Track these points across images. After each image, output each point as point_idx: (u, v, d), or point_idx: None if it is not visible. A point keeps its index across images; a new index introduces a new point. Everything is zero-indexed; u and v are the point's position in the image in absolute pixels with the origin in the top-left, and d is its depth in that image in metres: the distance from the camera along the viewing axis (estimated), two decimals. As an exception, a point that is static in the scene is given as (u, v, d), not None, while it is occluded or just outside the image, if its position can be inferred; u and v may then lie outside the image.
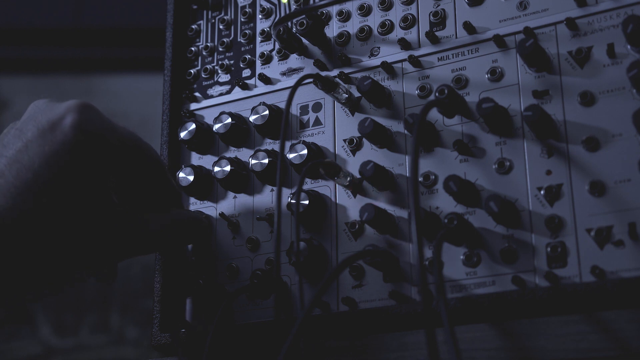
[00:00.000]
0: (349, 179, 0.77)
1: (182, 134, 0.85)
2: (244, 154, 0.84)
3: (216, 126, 0.83)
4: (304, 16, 0.80)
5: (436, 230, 0.70)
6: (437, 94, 0.73)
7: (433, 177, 0.74)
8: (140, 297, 2.19)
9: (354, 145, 0.78)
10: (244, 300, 0.80)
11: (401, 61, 0.79)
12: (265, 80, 0.85)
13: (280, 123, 0.81)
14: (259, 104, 0.82)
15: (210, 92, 0.89)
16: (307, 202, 0.77)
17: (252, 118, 0.82)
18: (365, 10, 0.82)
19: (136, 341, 2.23)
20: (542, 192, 0.69)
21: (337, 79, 0.79)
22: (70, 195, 0.69)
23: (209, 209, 0.84)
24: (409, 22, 0.79)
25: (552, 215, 0.68)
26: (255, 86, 0.86)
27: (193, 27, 0.92)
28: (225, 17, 0.90)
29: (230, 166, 0.82)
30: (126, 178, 0.75)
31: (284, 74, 0.85)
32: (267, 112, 0.81)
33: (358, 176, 0.76)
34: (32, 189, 0.67)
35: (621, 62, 0.69)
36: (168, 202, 0.79)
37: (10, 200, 0.67)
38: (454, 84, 0.75)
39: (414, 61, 0.77)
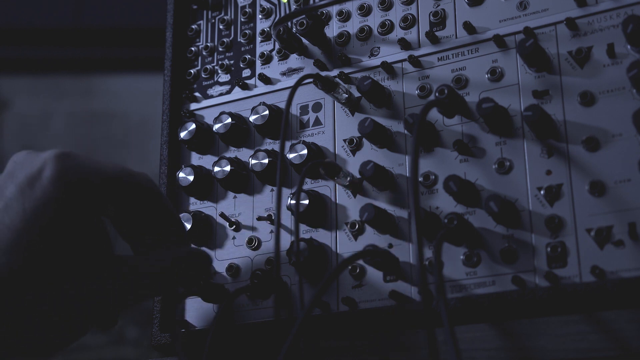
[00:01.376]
0: (349, 179, 0.77)
1: (182, 134, 0.85)
2: (244, 154, 0.84)
3: (216, 126, 0.83)
4: (304, 16, 0.80)
5: (436, 230, 0.70)
6: (437, 94, 0.73)
7: (433, 177, 0.74)
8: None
9: (354, 145, 0.78)
10: (244, 300, 0.80)
11: (401, 61, 0.79)
12: (265, 80, 0.85)
13: (280, 123, 0.81)
14: (259, 104, 0.82)
15: (210, 92, 0.89)
16: (307, 202, 0.77)
17: (252, 118, 0.82)
18: (365, 10, 0.82)
19: (136, 341, 2.23)
20: (542, 192, 0.69)
21: (337, 79, 0.79)
22: (58, 249, 0.67)
23: (209, 209, 0.84)
24: (409, 22, 0.79)
25: (552, 215, 0.68)
26: (255, 86, 0.86)
27: (193, 27, 0.92)
28: (225, 17, 0.90)
29: (230, 166, 0.82)
30: (121, 214, 0.73)
31: (284, 74, 0.85)
32: (267, 112, 0.81)
33: (358, 176, 0.76)
34: (16, 248, 0.65)
35: (621, 62, 0.69)
36: (170, 232, 0.76)
37: None
38: (454, 84, 0.75)
39: (414, 61, 0.77)
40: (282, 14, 0.87)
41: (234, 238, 0.82)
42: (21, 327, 0.66)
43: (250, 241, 0.81)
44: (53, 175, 0.67)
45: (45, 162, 0.68)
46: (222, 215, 0.82)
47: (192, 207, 0.85)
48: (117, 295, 0.70)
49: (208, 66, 0.89)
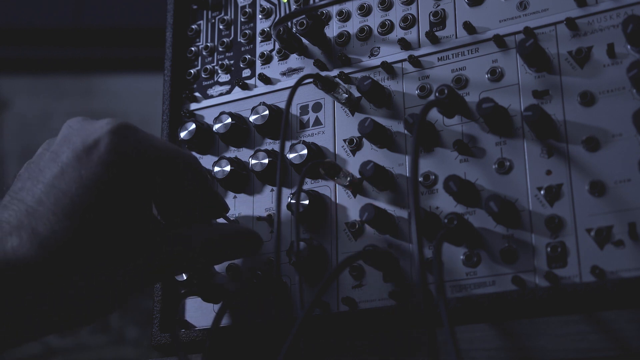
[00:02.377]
0: (349, 179, 0.77)
1: (182, 134, 0.85)
2: (244, 154, 0.84)
3: (216, 126, 0.83)
4: (304, 16, 0.80)
5: (436, 230, 0.70)
6: (437, 94, 0.73)
7: (433, 177, 0.74)
8: (140, 297, 2.19)
9: (354, 145, 0.78)
10: (243, 301, 0.80)
11: (401, 61, 0.79)
12: (265, 80, 0.85)
13: (280, 123, 0.81)
14: (259, 104, 0.82)
15: (210, 92, 0.89)
16: (307, 202, 0.77)
17: (252, 118, 0.82)
18: (365, 10, 0.82)
19: (136, 341, 2.23)
20: (542, 192, 0.69)
21: (337, 79, 0.79)
22: (111, 218, 0.67)
23: (209, 209, 0.84)
24: (409, 22, 0.79)
25: (552, 215, 0.68)
26: (255, 86, 0.86)
27: (193, 27, 0.92)
28: (225, 17, 0.90)
29: (230, 166, 0.82)
30: (168, 192, 0.73)
31: (284, 74, 0.85)
32: (267, 112, 0.81)
33: (358, 176, 0.76)
34: (71, 215, 0.65)
35: (621, 62, 0.69)
36: (214, 213, 0.77)
37: (51, 227, 0.65)
38: (454, 84, 0.75)
39: (414, 61, 0.77)
40: (282, 14, 0.87)
41: (234, 238, 0.82)
42: (59, 299, 0.66)
43: (250, 241, 0.81)
44: (111, 145, 0.67)
45: (104, 130, 0.68)
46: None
47: (192, 207, 0.85)
48: (161, 266, 0.70)
49: (208, 66, 0.89)
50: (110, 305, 0.69)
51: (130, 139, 0.68)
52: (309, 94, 0.82)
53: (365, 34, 0.81)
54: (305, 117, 0.82)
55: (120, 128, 0.68)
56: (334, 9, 0.84)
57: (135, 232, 0.69)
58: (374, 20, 0.81)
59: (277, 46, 0.86)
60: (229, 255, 0.78)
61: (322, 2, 0.79)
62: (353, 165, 0.78)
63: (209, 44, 0.90)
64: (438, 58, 0.77)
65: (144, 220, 0.71)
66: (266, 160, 0.80)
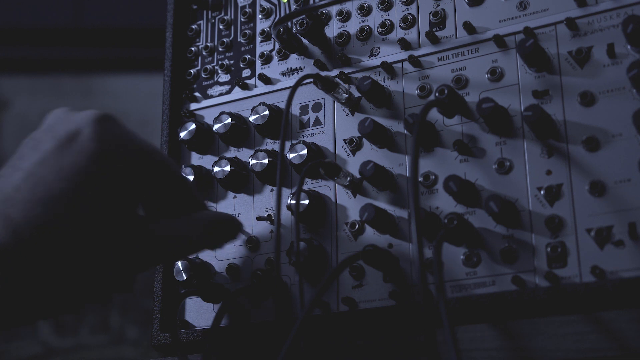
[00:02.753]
0: (349, 179, 0.77)
1: (182, 134, 0.85)
2: (244, 154, 0.84)
3: (216, 126, 0.83)
4: (304, 16, 0.80)
5: (436, 230, 0.70)
6: (437, 94, 0.73)
7: (433, 177, 0.74)
8: (140, 297, 2.19)
9: (354, 145, 0.78)
10: (244, 300, 0.80)
11: (401, 61, 0.79)
12: (265, 80, 0.85)
13: (280, 123, 0.81)
14: (259, 104, 0.82)
15: (210, 92, 0.89)
16: (307, 202, 0.77)
17: (252, 118, 0.82)
18: (365, 10, 0.82)
19: (136, 341, 2.23)
20: (542, 192, 0.69)
21: (337, 79, 0.79)
22: (89, 208, 0.66)
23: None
24: (409, 22, 0.79)
25: (552, 215, 0.68)
26: (255, 86, 0.86)
27: (193, 27, 0.92)
28: (225, 17, 0.90)
29: (230, 166, 0.82)
30: (146, 188, 0.72)
31: (284, 74, 0.85)
32: (267, 112, 0.81)
33: (358, 176, 0.76)
34: (49, 203, 0.65)
35: (621, 62, 0.69)
36: (190, 208, 0.76)
37: (26, 214, 0.64)
38: (454, 84, 0.75)
39: (414, 61, 0.77)
40: (282, 14, 0.87)
41: (234, 238, 0.82)
42: (40, 285, 0.65)
43: (250, 241, 0.81)
44: (93, 135, 0.67)
45: (87, 120, 0.68)
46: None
47: (192, 207, 0.85)
48: (139, 257, 0.70)
49: (208, 66, 0.89)
50: (86, 298, 0.69)
51: (113, 130, 0.68)
52: (309, 94, 0.82)
53: (365, 34, 0.81)
54: (305, 117, 0.82)
55: (104, 119, 0.68)
56: (334, 9, 0.84)
57: (115, 225, 0.68)
58: (374, 20, 0.81)
59: (277, 46, 0.86)
60: (212, 243, 0.77)
61: (322, 2, 0.79)
62: (353, 165, 0.78)
63: (209, 44, 0.90)
64: (438, 58, 0.77)
65: (125, 214, 0.70)
66: (266, 160, 0.80)
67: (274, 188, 0.81)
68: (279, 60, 0.86)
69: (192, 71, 0.90)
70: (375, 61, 0.80)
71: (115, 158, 0.68)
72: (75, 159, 0.66)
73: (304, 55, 0.84)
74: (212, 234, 0.75)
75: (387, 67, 0.78)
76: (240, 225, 0.77)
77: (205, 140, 0.86)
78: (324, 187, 0.79)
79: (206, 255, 0.83)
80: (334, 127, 0.80)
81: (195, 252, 0.78)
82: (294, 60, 0.85)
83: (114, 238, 0.68)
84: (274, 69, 0.86)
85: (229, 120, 0.83)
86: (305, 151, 0.78)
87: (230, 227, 0.76)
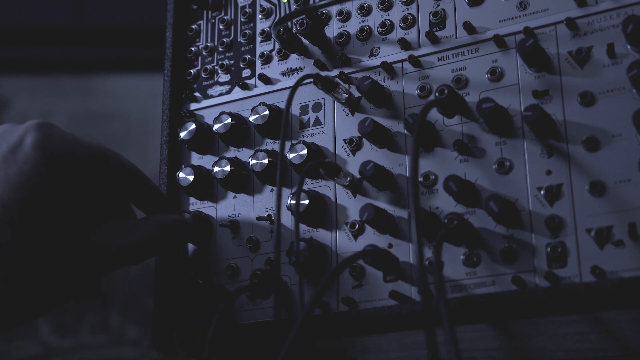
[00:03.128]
0: (349, 179, 0.77)
1: (182, 134, 0.85)
2: (244, 154, 0.84)
3: (216, 126, 0.83)
4: (304, 16, 0.80)
5: (436, 230, 0.70)
6: (437, 94, 0.73)
7: (433, 177, 0.74)
8: (140, 297, 2.19)
9: (354, 145, 0.78)
10: (244, 300, 0.80)
11: (401, 61, 0.79)
12: (265, 80, 0.85)
13: (280, 123, 0.81)
14: (259, 104, 0.82)
15: (210, 92, 0.89)
16: (307, 202, 0.77)
17: (252, 118, 0.82)
18: (365, 10, 0.82)
19: (136, 341, 2.23)
20: (542, 192, 0.69)
21: (337, 79, 0.79)
22: (42, 219, 0.67)
23: (209, 209, 0.84)
24: (409, 22, 0.79)
25: (552, 215, 0.68)
26: (255, 86, 0.86)
27: (193, 27, 0.92)
28: (225, 17, 0.90)
29: (230, 166, 0.82)
30: (100, 188, 0.73)
31: (284, 74, 0.85)
32: (267, 112, 0.81)
33: (358, 176, 0.76)
34: (1, 214, 0.65)
35: (621, 62, 0.69)
36: (153, 205, 0.78)
37: None
38: (454, 84, 0.75)
39: (414, 61, 0.77)
40: (282, 14, 0.87)
41: (234, 238, 0.82)
42: None
43: (250, 241, 0.81)
44: (35, 142, 0.67)
45: (27, 130, 0.68)
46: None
47: (192, 207, 0.85)
48: (91, 264, 0.70)
49: (208, 66, 0.89)
50: (37, 308, 0.70)
51: (55, 136, 0.69)
52: (309, 94, 0.82)
53: (365, 34, 0.81)
54: (305, 117, 0.82)
55: (44, 126, 0.69)
56: (334, 9, 0.84)
57: (68, 232, 0.69)
58: (374, 20, 0.81)
59: (277, 46, 0.86)
60: (159, 251, 0.78)
61: (322, 2, 0.79)
62: (353, 165, 0.78)
63: (209, 44, 0.90)
64: (438, 58, 0.77)
65: (67, 224, 0.70)
66: (266, 160, 0.80)
67: (274, 188, 0.81)
68: (279, 60, 0.86)
69: (192, 71, 0.90)
70: (375, 61, 0.80)
71: (59, 163, 0.68)
72: (20, 167, 0.67)
73: (304, 55, 0.84)
74: (159, 242, 0.75)
75: (387, 67, 0.78)
76: (191, 227, 0.78)
77: (205, 140, 0.86)
78: (324, 187, 0.79)
79: (206, 255, 0.83)
80: (334, 127, 0.80)
81: (142, 259, 0.77)
82: (294, 60, 0.85)
83: (54, 249, 0.68)
84: (274, 69, 0.86)
85: (229, 120, 0.83)
86: (305, 151, 0.78)
87: (179, 231, 0.77)
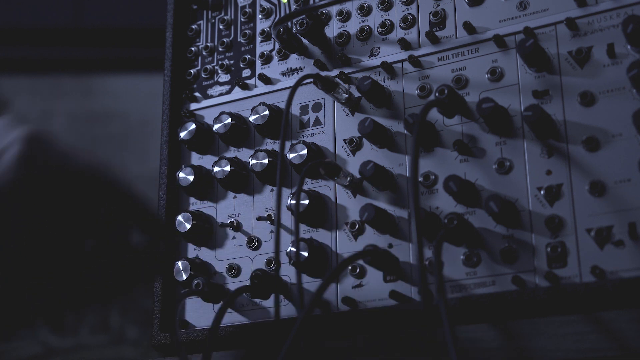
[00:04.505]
0: (349, 179, 0.77)
1: (182, 134, 0.85)
2: (244, 154, 0.84)
3: (216, 126, 0.83)
4: (304, 16, 0.80)
5: (436, 230, 0.70)
6: (437, 94, 0.73)
7: (433, 177, 0.74)
8: (140, 297, 2.19)
9: (354, 145, 0.78)
10: (244, 300, 0.80)
11: (401, 61, 0.79)
12: (265, 80, 0.85)
13: (280, 123, 0.81)
14: (259, 104, 0.82)
15: (210, 92, 0.89)
16: (307, 202, 0.77)
17: (252, 118, 0.82)
18: (365, 10, 0.82)
19: (136, 341, 2.23)
20: (542, 192, 0.69)
21: (337, 79, 0.79)
22: (27, 233, 0.65)
23: (209, 209, 0.84)
24: (409, 22, 0.79)
25: (552, 215, 0.68)
26: (255, 86, 0.86)
27: (193, 27, 0.92)
28: (225, 17, 0.90)
29: (230, 166, 0.82)
30: (92, 207, 0.70)
31: (284, 74, 0.85)
32: (267, 112, 0.81)
33: (358, 176, 0.76)
34: None
35: (621, 62, 0.69)
36: (149, 229, 0.74)
37: None
38: (454, 84, 0.75)
39: (414, 61, 0.77)
40: (282, 14, 0.87)
41: (234, 238, 0.82)
42: None
43: (250, 241, 0.81)
44: (17, 156, 0.64)
45: (15, 141, 0.65)
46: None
47: (192, 207, 0.85)
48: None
49: (208, 66, 0.89)
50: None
51: (42, 151, 0.65)
52: (309, 94, 0.82)
53: (365, 34, 0.81)
54: (305, 117, 0.82)
55: (33, 140, 0.65)
56: (334, 9, 0.84)
57: (57, 250, 0.67)
58: (374, 20, 0.81)
59: (277, 46, 0.86)
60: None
61: (322, 2, 0.79)
62: (353, 165, 0.78)
63: (209, 44, 0.90)
64: (438, 58, 0.77)
65: (66, 238, 0.68)
66: (266, 160, 0.80)
67: (274, 188, 0.81)
68: (279, 60, 0.86)
69: (192, 71, 0.90)
70: (375, 61, 0.80)
71: (43, 181, 0.65)
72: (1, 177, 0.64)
73: (304, 55, 0.84)
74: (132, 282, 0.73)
75: (387, 67, 0.78)
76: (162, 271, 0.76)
77: (205, 140, 0.86)
78: (324, 187, 0.79)
79: (206, 255, 0.83)
80: (334, 127, 0.80)
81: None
82: (294, 60, 0.85)
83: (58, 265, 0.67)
84: (274, 69, 0.86)
85: (229, 120, 0.83)
86: (305, 151, 0.78)
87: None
